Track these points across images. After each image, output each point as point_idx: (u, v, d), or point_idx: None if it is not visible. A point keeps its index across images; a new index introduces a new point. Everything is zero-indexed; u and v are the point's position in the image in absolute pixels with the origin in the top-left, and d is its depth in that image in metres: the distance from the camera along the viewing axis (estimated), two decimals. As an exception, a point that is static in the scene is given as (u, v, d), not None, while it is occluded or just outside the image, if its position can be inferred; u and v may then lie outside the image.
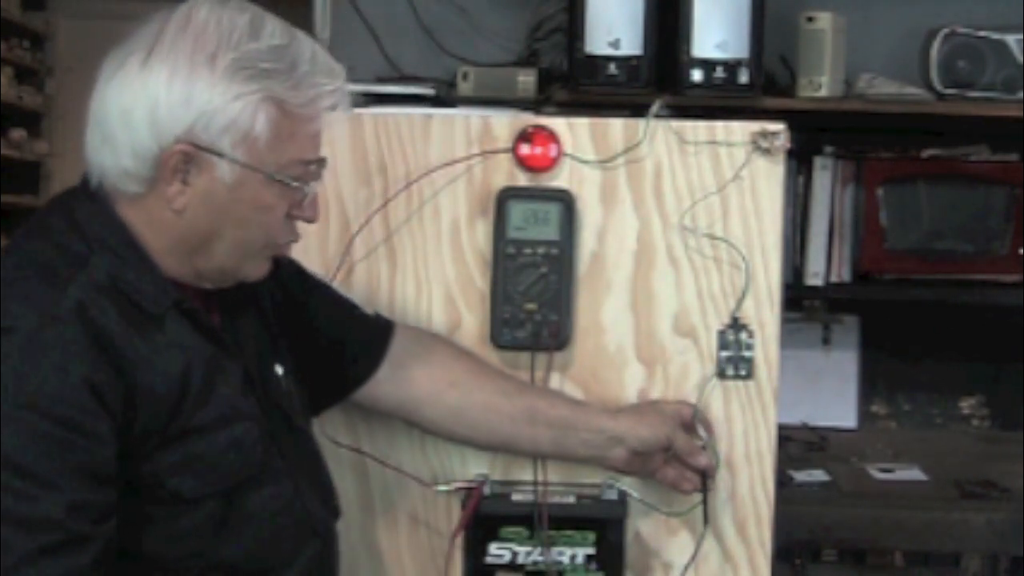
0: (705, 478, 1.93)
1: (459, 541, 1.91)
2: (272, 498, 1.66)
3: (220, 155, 1.55)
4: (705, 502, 1.93)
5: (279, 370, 1.75)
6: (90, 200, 1.60)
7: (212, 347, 1.62)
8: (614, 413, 1.94)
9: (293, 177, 1.60)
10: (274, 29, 1.59)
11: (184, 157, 1.54)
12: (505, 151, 1.99)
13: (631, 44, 3.09)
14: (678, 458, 1.92)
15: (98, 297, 1.53)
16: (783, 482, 2.68)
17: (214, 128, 1.54)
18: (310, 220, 1.67)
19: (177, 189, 1.56)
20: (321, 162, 1.65)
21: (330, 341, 1.87)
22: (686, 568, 1.97)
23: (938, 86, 3.20)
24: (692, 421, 1.95)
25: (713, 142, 1.99)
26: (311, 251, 1.99)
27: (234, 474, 1.61)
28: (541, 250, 1.97)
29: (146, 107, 1.53)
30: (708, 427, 1.96)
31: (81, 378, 1.48)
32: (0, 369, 1.47)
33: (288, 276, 1.82)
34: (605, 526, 1.92)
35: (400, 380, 1.90)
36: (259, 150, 1.56)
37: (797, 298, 3.38)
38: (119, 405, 1.51)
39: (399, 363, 1.90)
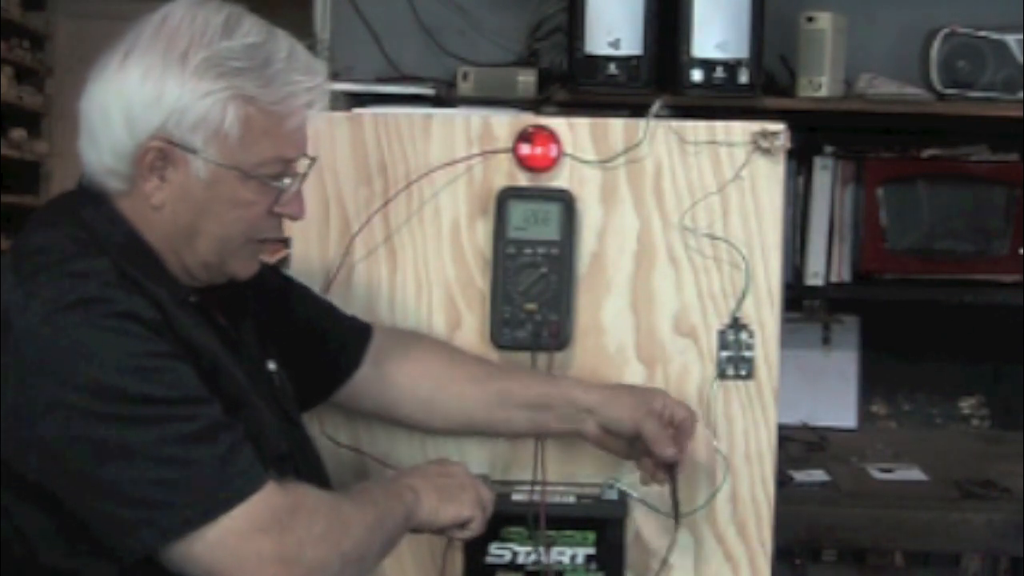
0: (674, 472, 1.87)
1: (459, 541, 1.91)
2: None
3: (194, 152, 1.57)
4: (675, 497, 1.89)
5: (271, 366, 1.76)
6: (92, 200, 1.62)
7: (219, 342, 1.63)
8: (587, 386, 1.93)
9: (271, 175, 1.61)
10: (250, 28, 1.60)
11: (159, 153, 1.57)
12: (505, 151, 2.00)
13: (631, 44, 3.09)
14: (644, 447, 1.87)
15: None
16: (783, 482, 2.67)
17: (185, 125, 1.56)
18: (294, 217, 1.69)
19: (155, 185, 1.59)
20: (307, 160, 1.66)
21: (311, 342, 1.88)
22: (664, 563, 1.97)
23: (938, 86, 3.20)
24: (661, 411, 1.87)
25: (713, 142, 1.99)
26: (311, 251, 1.99)
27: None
28: (541, 250, 1.97)
29: (121, 105, 1.57)
30: (688, 430, 1.89)
31: (142, 327, 1.51)
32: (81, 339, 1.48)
33: (269, 279, 1.83)
34: (605, 526, 1.92)
35: (377, 379, 1.91)
36: (231, 147, 1.58)
37: (797, 298, 3.37)
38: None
39: (377, 362, 1.91)
